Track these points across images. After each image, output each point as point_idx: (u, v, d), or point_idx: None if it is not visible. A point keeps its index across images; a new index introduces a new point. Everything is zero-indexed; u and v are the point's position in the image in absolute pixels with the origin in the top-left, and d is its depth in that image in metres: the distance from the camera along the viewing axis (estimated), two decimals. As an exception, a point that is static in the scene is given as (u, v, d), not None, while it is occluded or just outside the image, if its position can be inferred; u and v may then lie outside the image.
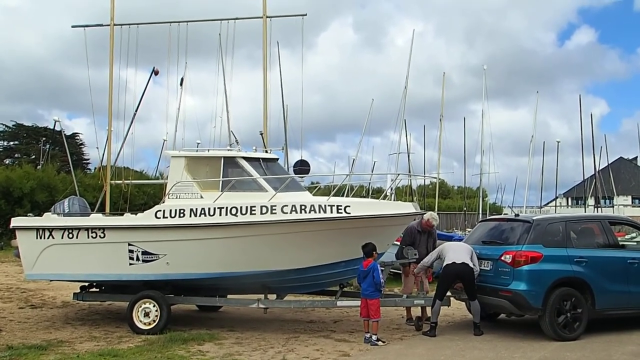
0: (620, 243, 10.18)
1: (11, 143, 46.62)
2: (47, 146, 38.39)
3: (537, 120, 41.59)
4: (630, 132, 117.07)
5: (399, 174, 12.99)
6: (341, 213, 8.98)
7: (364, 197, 21.48)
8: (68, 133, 43.40)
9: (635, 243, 12.78)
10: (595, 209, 41.74)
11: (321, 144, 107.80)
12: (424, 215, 10.22)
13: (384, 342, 8.65)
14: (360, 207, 9.27)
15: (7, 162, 40.78)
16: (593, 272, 8.91)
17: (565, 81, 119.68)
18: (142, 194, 30.30)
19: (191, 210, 9.19)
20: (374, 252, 8.83)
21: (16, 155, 44.58)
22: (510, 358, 7.63)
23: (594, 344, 8.45)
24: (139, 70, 24.98)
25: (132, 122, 16.98)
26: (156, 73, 18.04)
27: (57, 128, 28.78)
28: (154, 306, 9.33)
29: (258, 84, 17.74)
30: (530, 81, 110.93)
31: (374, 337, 8.62)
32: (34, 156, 41.74)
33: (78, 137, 46.98)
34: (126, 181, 15.50)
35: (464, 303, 10.09)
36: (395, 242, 10.50)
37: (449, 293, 9.52)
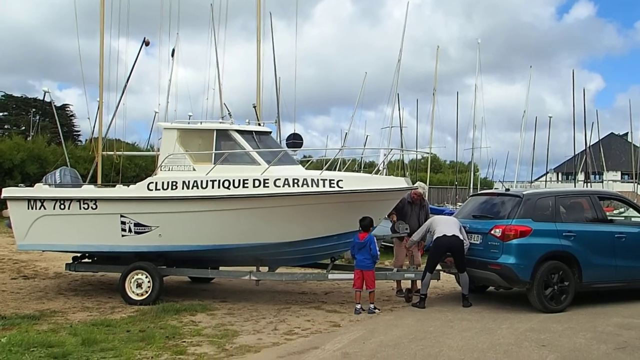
0: (609, 218, 10.31)
1: (0, 114, 46.15)
2: (37, 117, 38.08)
3: (533, 96, 41.97)
4: (624, 108, 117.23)
5: (391, 149, 13.00)
6: (334, 187, 9.01)
7: (356, 171, 21.53)
8: (58, 104, 43.07)
9: (623, 218, 12.92)
10: (585, 184, 42.11)
11: (315, 118, 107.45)
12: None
13: (379, 310, 8.86)
14: (353, 181, 9.30)
15: (-3, 133, 40.42)
16: (581, 246, 9.04)
17: (563, 56, 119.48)
18: (134, 166, 30.21)
19: (184, 182, 9.19)
20: (371, 227, 8.94)
21: (6, 127, 44.17)
22: (498, 329, 7.77)
23: (579, 315, 8.62)
24: (130, 41, 24.70)
25: (122, 94, 16.82)
26: (147, 44, 17.78)
27: (47, 99, 28.53)
28: (146, 277, 9.39)
29: (252, 56, 17.60)
30: (527, 55, 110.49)
31: (371, 306, 8.83)
32: (23, 127, 41.39)
33: (68, 109, 46.60)
34: (118, 152, 15.41)
35: (453, 276, 10.22)
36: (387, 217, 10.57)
37: (438, 267, 9.64)
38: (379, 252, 9.07)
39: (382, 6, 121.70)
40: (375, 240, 9.03)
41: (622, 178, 61.96)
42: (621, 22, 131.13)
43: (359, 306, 8.88)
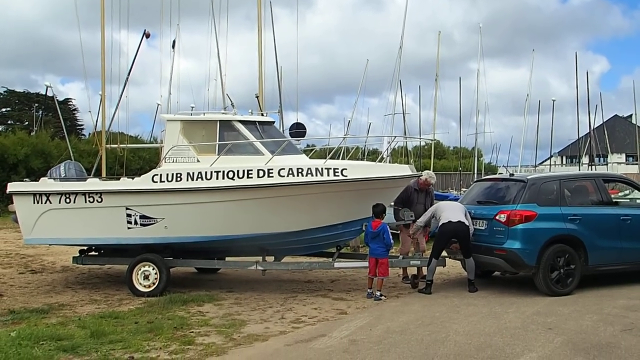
0: (614, 200, 10.28)
1: (3, 109, 46.24)
2: (40, 112, 38.10)
3: (538, 79, 41.89)
4: (629, 90, 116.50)
5: (395, 137, 12.97)
6: (338, 176, 9.01)
7: (360, 159, 21.47)
8: (61, 98, 43.10)
9: (628, 200, 12.89)
10: (590, 167, 42.01)
11: (319, 106, 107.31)
12: (422, 175, 10.29)
13: (385, 297, 8.94)
14: (357, 169, 9.28)
15: (0, 128, 40.50)
16: (586, 229, 9.02)
17: (568, 38, 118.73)
18: (138, 158, 30.21)
19: (188, 174, 9.20)
20: (383, 214, 8.95)
21: (9, 122, 44.28)
22: (504, 313, 7.79)
23: (586, 298, 8.63)
24: (132, 33, 24.53)
25: (124, 86, 16.79)
26: (147, 36, 17.72)
27: (49, 94, 28.51)
28: (153, 269, 9.43)
29: (254, 46, 17.47)
30: (532, 39, 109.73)
31: (377, 293, 8.89)
32: (27, 122, 41.47)
33: (71, 103, 46.64)
34: (122, 145, 15.40)
35: (459, 262, 10.24)
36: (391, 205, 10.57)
37: (444, 253, 9.66)
38: (392, 241, 9.11)
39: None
40: (389, 229, 9.06)
41: (626, 160, 61.71)
42: (627, 4, 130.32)
43: (370, 290, 9.00)
